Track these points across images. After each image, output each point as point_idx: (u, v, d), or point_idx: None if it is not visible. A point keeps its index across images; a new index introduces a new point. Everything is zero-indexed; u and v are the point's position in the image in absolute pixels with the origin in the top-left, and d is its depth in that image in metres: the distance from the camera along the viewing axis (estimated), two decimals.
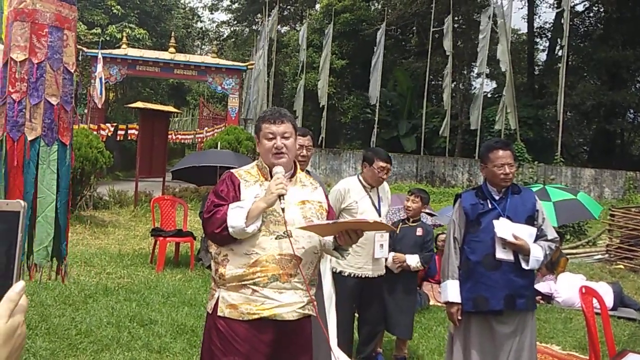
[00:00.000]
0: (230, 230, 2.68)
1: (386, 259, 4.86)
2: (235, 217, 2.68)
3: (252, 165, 2.99)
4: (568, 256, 9.44)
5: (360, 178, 4.80)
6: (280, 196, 2.71)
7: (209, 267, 6.67)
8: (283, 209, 2.72)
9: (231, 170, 2.94)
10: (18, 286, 1.05)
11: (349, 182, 4.87)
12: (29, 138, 3.13)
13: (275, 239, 2.75)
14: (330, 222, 2.86)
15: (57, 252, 3.39)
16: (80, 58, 22.79)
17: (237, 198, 2.79)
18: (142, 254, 9.07)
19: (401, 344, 5.18)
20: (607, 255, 11.15)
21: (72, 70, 3.23)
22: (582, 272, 8.87)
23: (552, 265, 8.14)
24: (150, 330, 5.42)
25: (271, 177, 2.84)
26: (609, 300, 6.98)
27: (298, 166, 3.03)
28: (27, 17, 3.18)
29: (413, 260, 4.99)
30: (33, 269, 3.36)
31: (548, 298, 7.73)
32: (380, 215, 4.72)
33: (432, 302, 7.22)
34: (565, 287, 7.67)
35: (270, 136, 2.85)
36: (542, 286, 7.61)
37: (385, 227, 3.19)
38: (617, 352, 4.29)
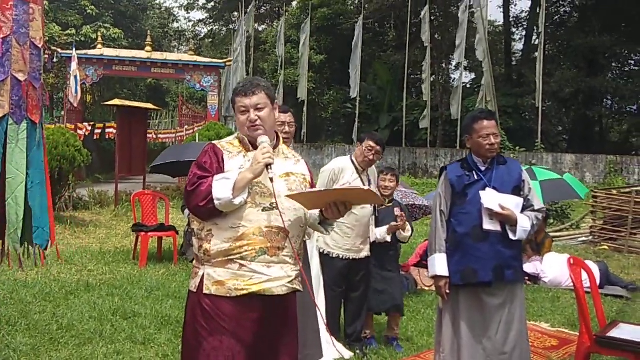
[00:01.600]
0: (216, 202, 2.57)
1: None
2: (222, 188, 2.57)
3: (233, 137, 2.88)
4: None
5: (353, 159, 4.82)
6: (268, 166, 2.61)
7: (193, 261, 6.56)
8: (272, 179, 2.62)
9: (213, 142, 2.84)
10: None
11: (342, 161, 4.88)
12: None
13: (262, 211, 2.66)
14: (322, 189, 2.77)
15: (30, 237, 3.25)
16: (55, 60, 22.42)
17: (221, 170, 2.69)
18: (124, 251, 8.92)
19: (393, 324, 5.12)
20: (591, 237, 11.19)
21: (40, 46, 3.10)
22: (568, 254, 8.87)
23: (538, 247, 8.13)
24: (134, 323, 5.31)
25: (254, 148, 2.74)
26: (596, 278, 6.97)
27: (281, 138, 2.93)
28: None
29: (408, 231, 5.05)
30: (9, 255, 3.23)
31: (535, 279, 7.72)
32: None
33: (419, 287, 7.17)
34: (551, 267, 7.67)
35: (243, 109, 2.76)
36: (528, 267, 7.59)
37: (376, 197, 2.95)
38: (607, 323, 4.27)
